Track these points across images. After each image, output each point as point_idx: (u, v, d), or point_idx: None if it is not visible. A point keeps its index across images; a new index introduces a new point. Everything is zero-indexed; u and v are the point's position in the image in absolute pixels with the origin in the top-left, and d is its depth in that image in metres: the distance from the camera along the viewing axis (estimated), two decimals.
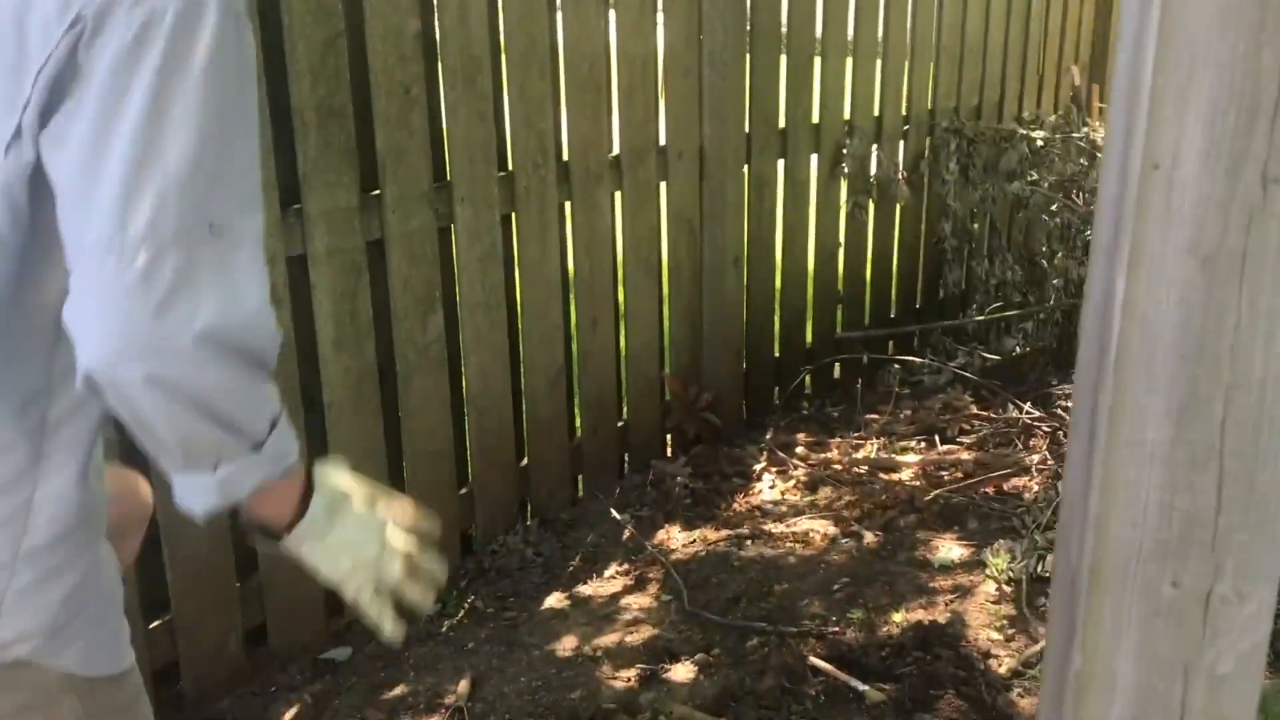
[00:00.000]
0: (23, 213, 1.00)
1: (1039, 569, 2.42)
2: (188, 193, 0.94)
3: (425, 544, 1.24)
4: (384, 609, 1.20)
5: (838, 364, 4.13)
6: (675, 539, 2.89)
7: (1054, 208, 4.31)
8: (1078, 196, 4.35)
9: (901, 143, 4.23)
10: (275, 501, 1.12)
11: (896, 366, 4.13)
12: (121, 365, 0.93)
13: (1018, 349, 4.11)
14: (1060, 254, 4.45)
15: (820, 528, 2.81)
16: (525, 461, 2.98)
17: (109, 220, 0.92)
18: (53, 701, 1.11)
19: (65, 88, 0.95)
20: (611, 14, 3.01)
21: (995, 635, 2.27)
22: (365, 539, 1.19)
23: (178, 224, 0.93)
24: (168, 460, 1.03)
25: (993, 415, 3.30)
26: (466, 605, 2.64)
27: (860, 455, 3.25)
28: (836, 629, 2.32)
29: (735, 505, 3.05)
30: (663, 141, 3.23)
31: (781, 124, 3.68)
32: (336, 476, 1.19)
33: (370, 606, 1.19)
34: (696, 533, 2.90)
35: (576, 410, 3.19)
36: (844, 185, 3.99)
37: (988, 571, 2.47)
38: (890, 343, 4.30)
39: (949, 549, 2.63)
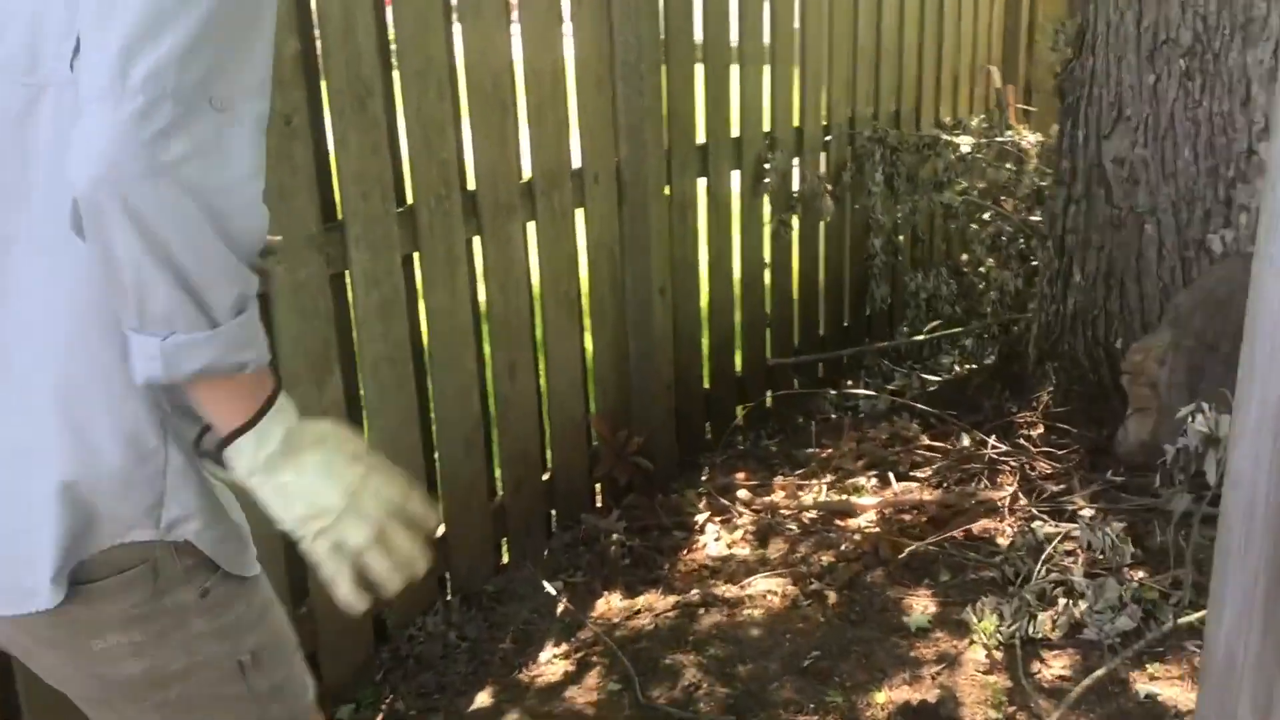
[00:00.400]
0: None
1: (1030, 630, 2.17)
2: (191, 61, 1.00)
3: (411, 527, 1.17)
4: (340, 571, 1.13)
5: (770, 392, 3.89)
6: (616, 609, 2.59)
7: (986, 216, 4.12)
8: (1008, 203, 4.17)
9: (823, 154, 4.00)
10: (223, 401, 1.09)
11: (833, 393, 3.89)
12: (105, 187, 0.97)
13: (956, 367, 3.90)
14: (992, 264, 4.27)
15: (778, 588, 2.53)
16: (442, 530, 2.64)
17: (113, 69, 0.98)
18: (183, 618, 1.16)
19: None
20: (515, 25, 2.70)
21: (994, 714, 2.01)
22: (327, 488, 1.13)
23: (178, 82, 0.99)
24: (127, 313, 1.04)
25: (947, 446, 3.06)
26: (385, 706, 2.30)
27: (809, 498, 2.98)
28: (815, 718, 2.04)
29: (679, 564, 2.75)
30: (577, 164, 2.93)
31: (701, 139, 3.41)
32: (322, 425, 1.15)
33: (325, 563, 1.13)
34: (640, 600, 2.60)
35: (496, 466, 2.87)
36: (767, 202, 3.75)
37: (973, 635, 2.22)
38: (820, 365, 4.08)
39: (924, 607, 2.37)
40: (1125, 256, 2.80)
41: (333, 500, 1.14)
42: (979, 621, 2.22)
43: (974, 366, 3.83)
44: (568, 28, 2.89)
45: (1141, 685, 2.05)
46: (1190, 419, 2.22)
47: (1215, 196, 2.67)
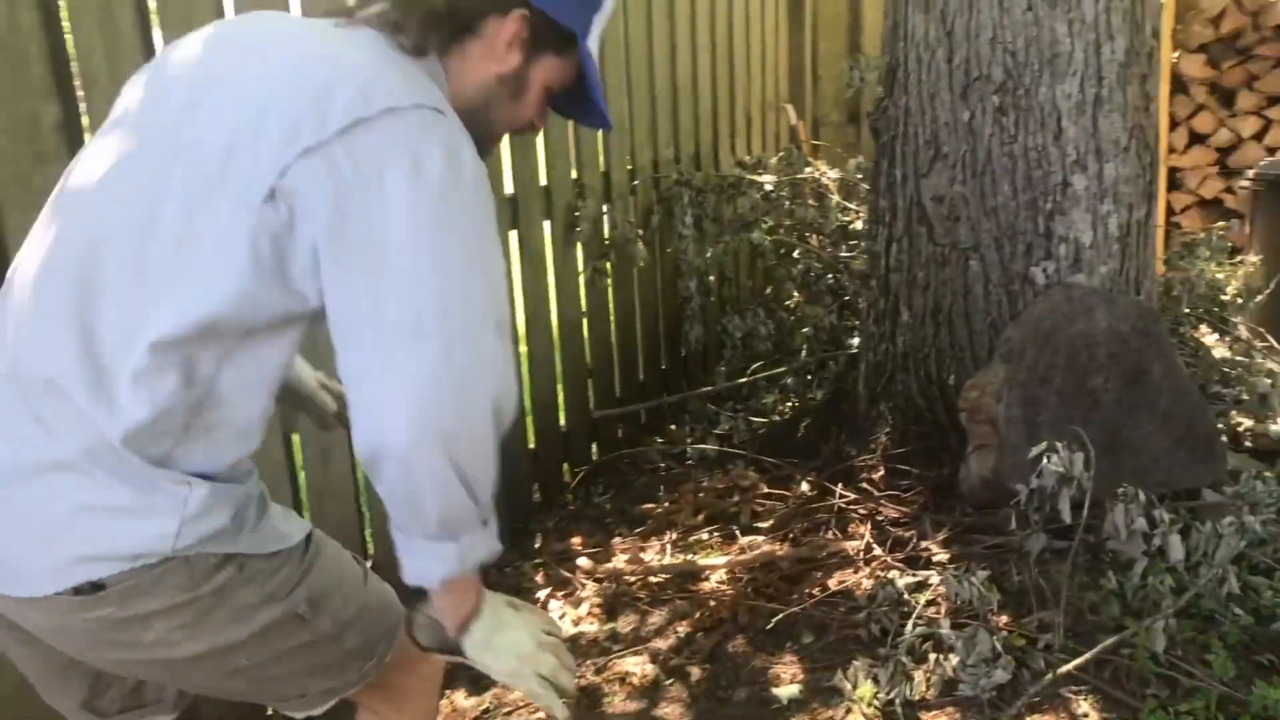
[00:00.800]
0: (263, 259, 1.18)
1: (908, 692, 2.09)
2: (473, 292, 1.18)
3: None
4: (550, 697, 1.36)
5: (595, 445, 3.75)
6: (463, 708, 2.37)
7: (795, 254, 4.10)
8: (814, 239, 4.18)
9: (631, 199, 3.90)
10: (463, 590, 1.31)
11: (660, 441, 3.78)
12: (425, 444, 1.14)
13: (779, 406, 3.85)
14: (799, 300, 4.26)
15: (636, 668, 2.37)
16: None
17: (403, 313, 1.14)
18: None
19: (326, 183, 1.16)
20: None
21: None
22: (521, 636, 1.36)
23: (464, 319, 1.16)
24: (419, 529, 1.23)
25: (788, 494, 2.98)
26: None
27: (654, 560, 2.84)
28: None
29: None
30: None
31: (510, 189, 3.25)
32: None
33: (541, 695, 1.36)
34: (487, 696, 2.39)
35: None
36: (580, 250, 3.62)
37: (848, 702, 2.11)
38: (643, 413, 3.96)
39: (793, 675, 2.25)
40: (952, 293, 2.79)
41: (528, 645, 1.36)
42: (853, 688, 2.12)
43: (796, 404, 3.79)
44: None
45: None
46: (1045, 458, 2.19)
47: (1035, 229, 2.69)
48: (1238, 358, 3.59)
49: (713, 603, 2.54)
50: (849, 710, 2.10)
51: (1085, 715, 2.02)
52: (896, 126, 2.85)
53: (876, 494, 2.74)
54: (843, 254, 4.01)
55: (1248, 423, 3.30)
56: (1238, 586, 2.24)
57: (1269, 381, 3.30)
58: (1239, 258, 4.35)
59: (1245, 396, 3.39)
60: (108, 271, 1.18)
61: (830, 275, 4.08)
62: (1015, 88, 2.63)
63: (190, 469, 1.23)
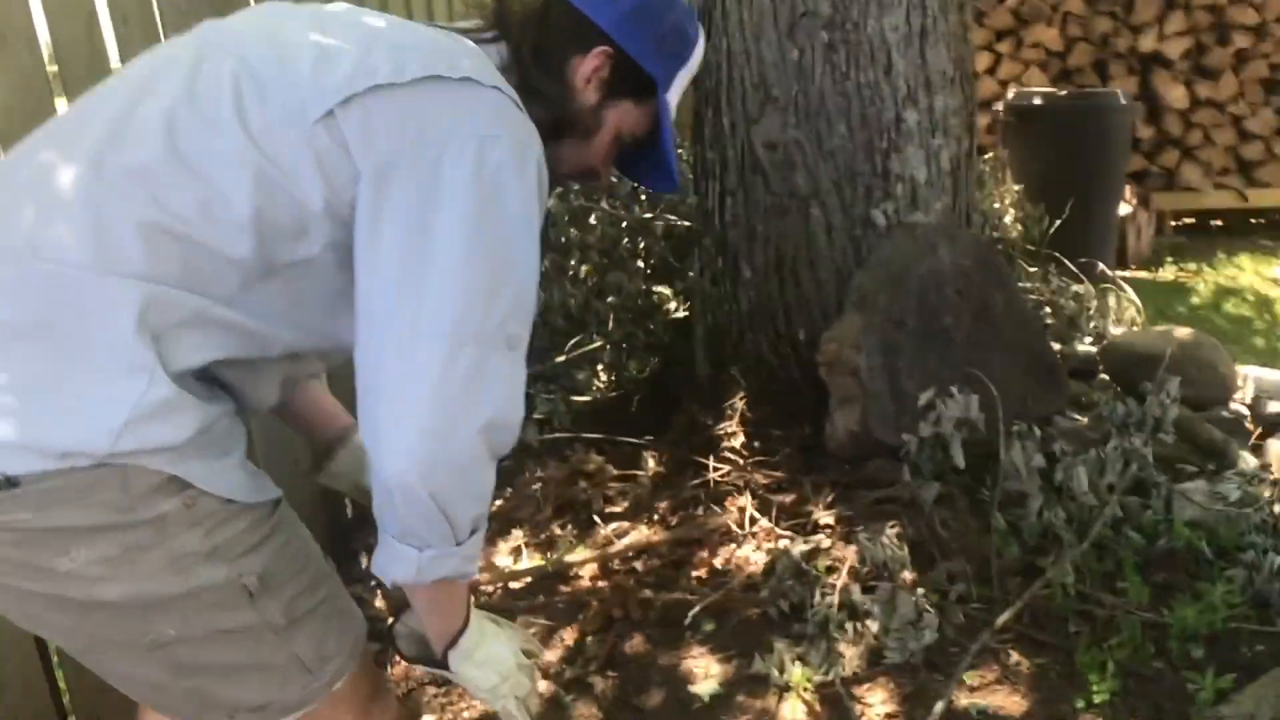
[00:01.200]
0: (289, 174, 1.15)
1: (842, 668, 1.95)
2: (493, 304, 1.15)
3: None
4: (524, 715, 1.42)
5: None
6: None
7: (592, 220, 3.91)
8: (607, 203, 3.99)
9: None
10: (446, 602, 1.33)
11: None
12: (413, 475, 1.14)
13: (593, 382, 3.66)
14: (589, 269, 4.07)
15: None
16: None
17: (427, 315, 1.13)
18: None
19: (390, 127, 1.14)
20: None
21: None
22: (505, 653, 1.40)
23: (480, 328, 1.14)
24: (392, 526, 1.22)
25: (640, 473, 2.79)
26: None
27: (510, 564, 2.60)
28: None
29: (389, 688, 2.26)
30: None
31: None
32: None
33: (516, 714, 1.41)
34: None
35: None
36: None
37: (777, 688, 1.95)
38: None
39: (706, 669, 2.08)
40: (794, 244, 2.67)
41: (509, 663, 1.39)
42: (781, 673, 1.97)
43: (614, 379, 3.60)
44: None
45: (966, 700, 1.90)
46: (940, 402, 2.11)
47: (873, 170, 2.61)
48: (1034, 284, 3.69)
49: (596, 602, 2.33)
50: (782, 697, 1.95)
51: (1018, 664, 1.96)
52: (719, 72, 2.69)
53: (743, 462, 2.60)
54: (647, 215, 3.85)
55: (1056, 346, 3.39)
56: (1120, 510, 2.25)
57: (1074, 304, 3.40)
58: (1001, 187, 4.50)
59: (1050, 321, 3.47)
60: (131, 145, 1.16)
61: (629, 240, 3.91)
62: (844, 22, 2.53)
63: (172, 359, 1.14)
